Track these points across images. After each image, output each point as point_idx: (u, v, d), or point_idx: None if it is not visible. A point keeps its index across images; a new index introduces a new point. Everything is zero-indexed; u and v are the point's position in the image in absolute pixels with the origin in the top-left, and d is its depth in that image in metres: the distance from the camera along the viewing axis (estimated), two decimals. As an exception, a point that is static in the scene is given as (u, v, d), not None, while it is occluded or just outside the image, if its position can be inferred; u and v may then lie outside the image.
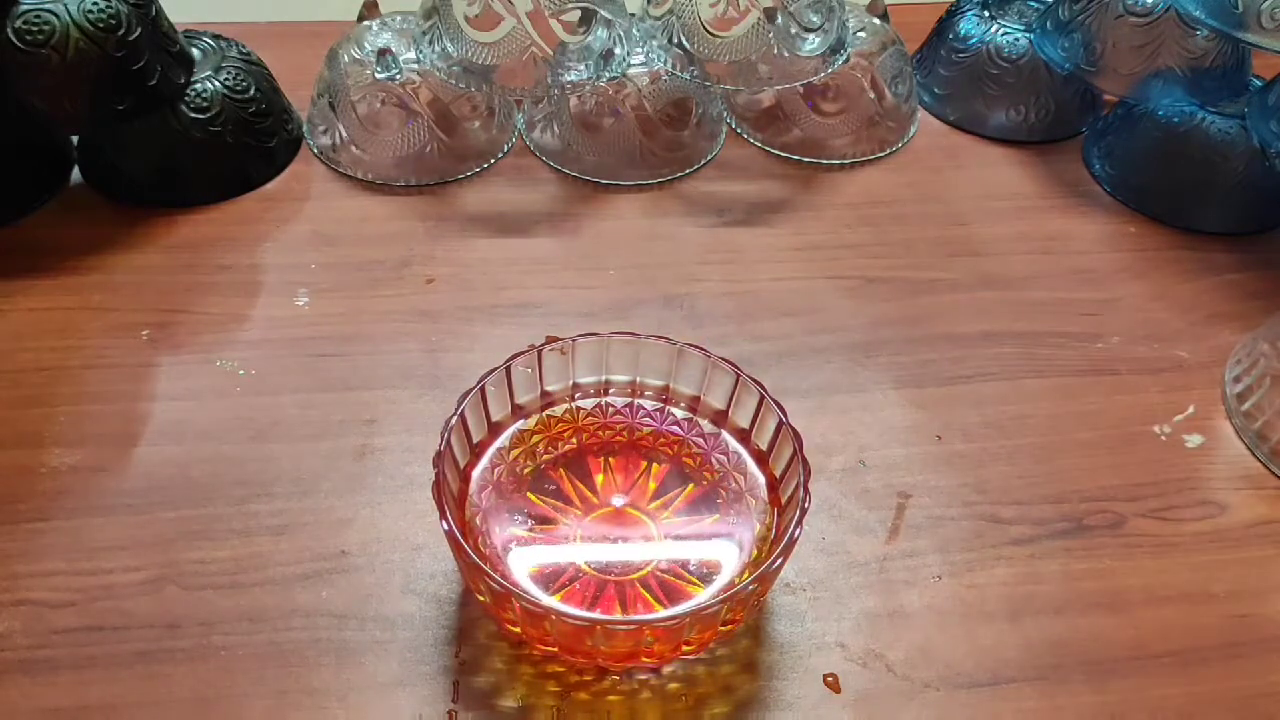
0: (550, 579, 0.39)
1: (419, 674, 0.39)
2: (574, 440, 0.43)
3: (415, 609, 0.41)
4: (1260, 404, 0.49)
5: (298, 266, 0.56)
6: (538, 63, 0.58)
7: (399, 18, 0.63)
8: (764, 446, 0.42)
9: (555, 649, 0.37)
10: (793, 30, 0.59)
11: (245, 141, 0.60)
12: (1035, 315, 0.56)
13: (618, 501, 0.41)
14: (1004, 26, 0.67)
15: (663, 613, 0.38)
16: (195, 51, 0.61)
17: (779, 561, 0.36)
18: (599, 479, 0.42)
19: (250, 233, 0.58)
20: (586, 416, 0.44)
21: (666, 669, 0.39)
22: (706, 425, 0.44)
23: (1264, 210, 0.62)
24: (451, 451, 0.39)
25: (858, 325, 0.54)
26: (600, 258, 0.58)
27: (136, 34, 0.54)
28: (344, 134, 0.62)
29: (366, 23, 0.63)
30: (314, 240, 0.58)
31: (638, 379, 0.45)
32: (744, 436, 0.43)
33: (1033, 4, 0.68)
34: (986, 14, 0.68)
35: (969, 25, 0.68)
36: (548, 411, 0.44)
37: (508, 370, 0.42)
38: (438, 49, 0.59)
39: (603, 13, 0.58)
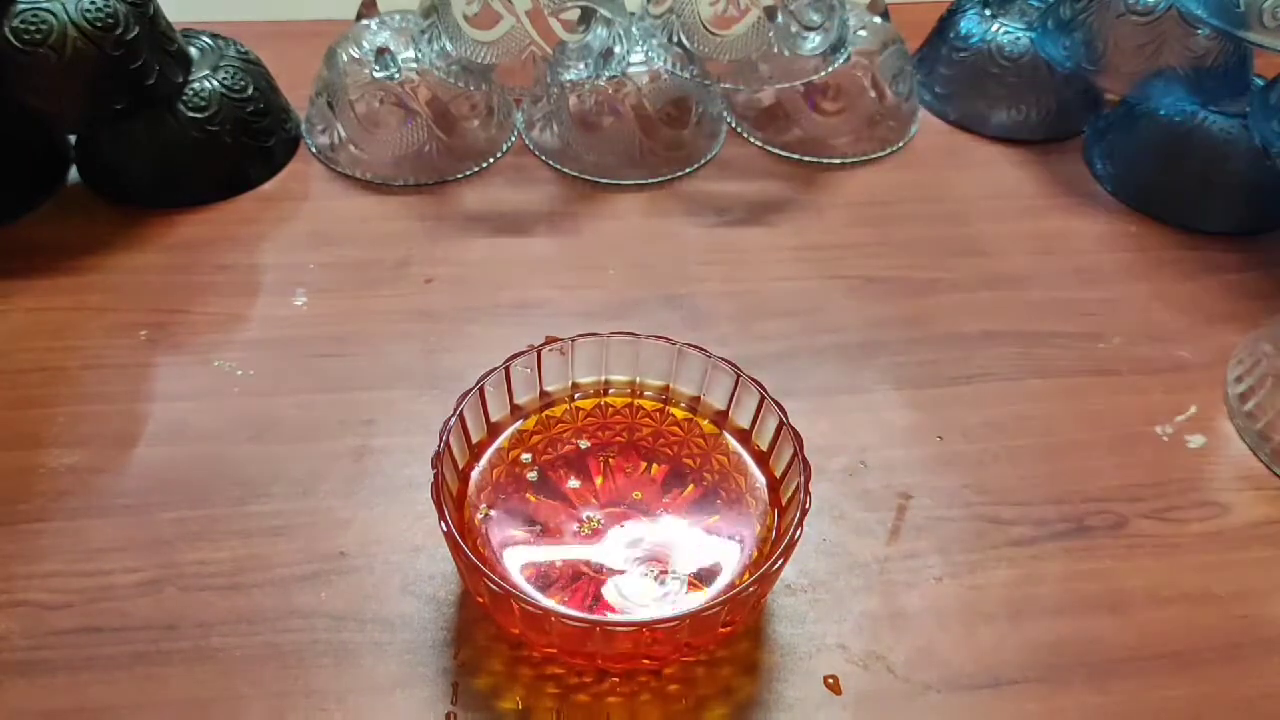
0: (550, 580, 0.38)
1: (418, 675, 0.39)
2: (573, 441, 0.43)
3: (414, 610, 0.41)
4: (1262, 404, 0.49)
5: (296, 266, 0.56)
6: (537, 61, 0.58)
7: (398, 16, 0.63)
8: (764, 447, 0.42)
9: (555, 650, 0.37)
10: (793, 29, 0.59)
11: (243, 141, 0.60)
12: (1036, 315, 0.56)
13: (617, 502, 0.41)
14: (1005, 25, 0.67)
15: (663, 614, 0.37)
16: (193, 50, 0.60)
17: (779, 563, 0.36)
18: (598, 480, 0.42)
19: (248, 232, 0.58)
20: (586, 417, 0.44)
21: (666, 670, 0.39)
22: (706, 425, 0.44)
23: (1266, 210, 0.62)
24: (450, 452, 0.39)
25: (858, 325, 0.54)
26: (600, 258, 0.58)
27: (134, 33, 0.54)
28: (342, 133, 0.62)
29: (365, 21, 0.63)
30: (312, 240, 0.58)
31: (638, 379, 0.44)
32: (744, 437, 0.43)
33: (1034, 2, 0.68)
34: (987, 12, 0.68)
35: (970, 24, 0.68)
36: (547, 412, 0.44)
37: (507, 371, 0.42)
38: (436, 48, 0.59)
39: (602, 11, 0.58)
